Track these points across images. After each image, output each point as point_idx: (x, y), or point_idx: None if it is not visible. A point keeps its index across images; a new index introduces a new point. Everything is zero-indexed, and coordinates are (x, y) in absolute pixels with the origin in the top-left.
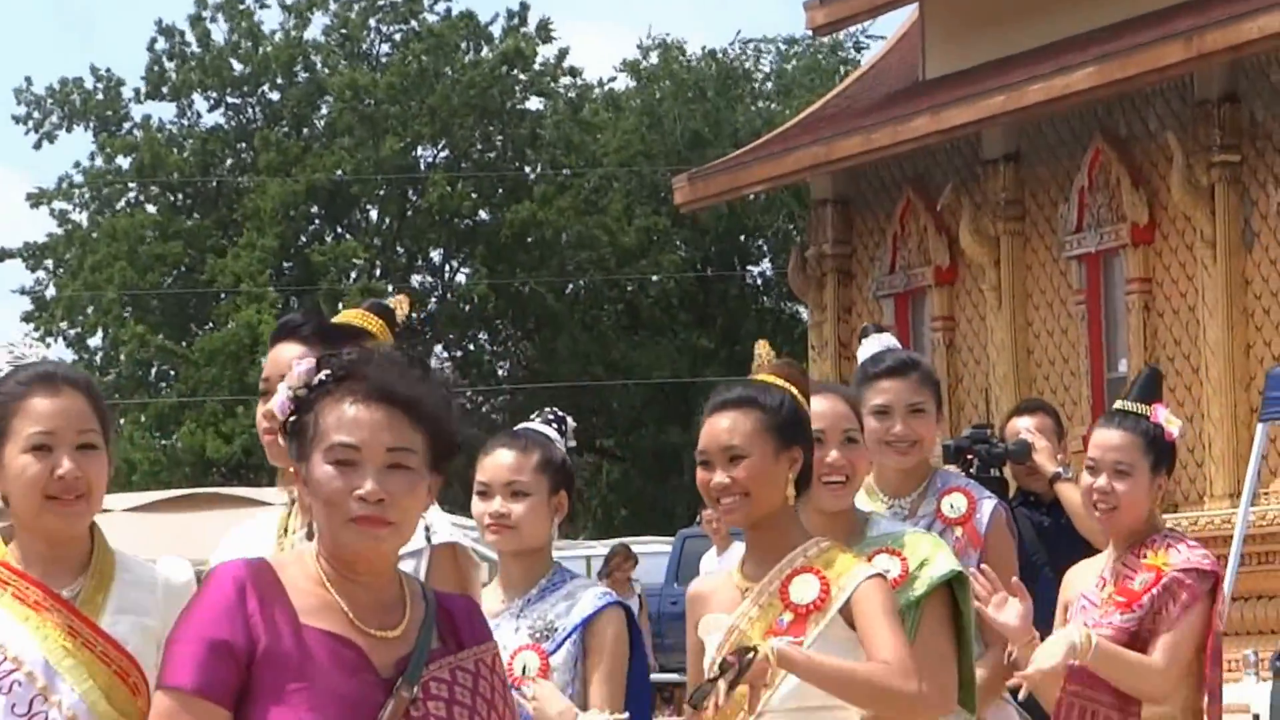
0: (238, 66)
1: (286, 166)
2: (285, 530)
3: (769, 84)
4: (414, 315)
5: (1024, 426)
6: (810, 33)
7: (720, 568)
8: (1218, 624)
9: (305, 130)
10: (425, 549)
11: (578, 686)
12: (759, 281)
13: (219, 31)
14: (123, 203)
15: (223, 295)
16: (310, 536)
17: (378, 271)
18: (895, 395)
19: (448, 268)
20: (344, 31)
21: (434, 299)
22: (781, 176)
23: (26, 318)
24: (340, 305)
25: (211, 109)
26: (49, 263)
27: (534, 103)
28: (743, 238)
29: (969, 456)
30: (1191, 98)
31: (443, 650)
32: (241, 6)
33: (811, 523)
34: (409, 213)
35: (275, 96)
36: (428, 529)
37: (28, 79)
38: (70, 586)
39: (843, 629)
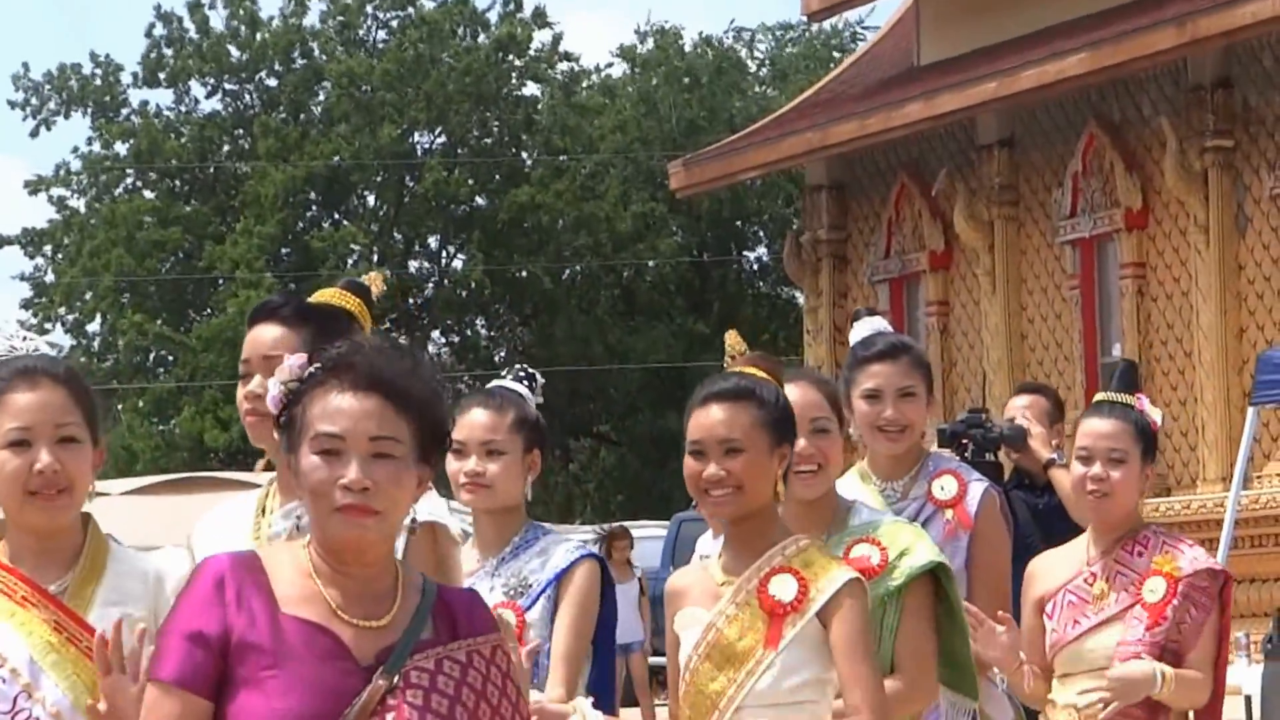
0: (235, 53)
1: (285, 153)
2: (263, 510)
3: (765, 70)
4: (411, 301)
5: (1020, 406)
6: (805, 19)
7: (699, 559)
8: (1228, 621)
9: (303, 117)
10: (401, 530)
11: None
12: (755, 267)
13: (217, 18)
14: (120, 189)
15: (221, 281)
16: (299, 523)
17: (375, 257)
18: (885, 379)
19: (444, 253)
20: (341, 18)
21: (431, 284)
22: (776, 162)
23: (26, 304)
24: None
25: (209, 95)
26: (48, 249)
27: (530, 88)
28: (739, 223)
29: (964, 441)
30: (1185, 83)
31: (434, 641)
32: None
33: (792, 511)
34: (406, 199)
35: (273, 83)
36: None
37: (25, 65)
38: (59, 580)
39: (817, 630)
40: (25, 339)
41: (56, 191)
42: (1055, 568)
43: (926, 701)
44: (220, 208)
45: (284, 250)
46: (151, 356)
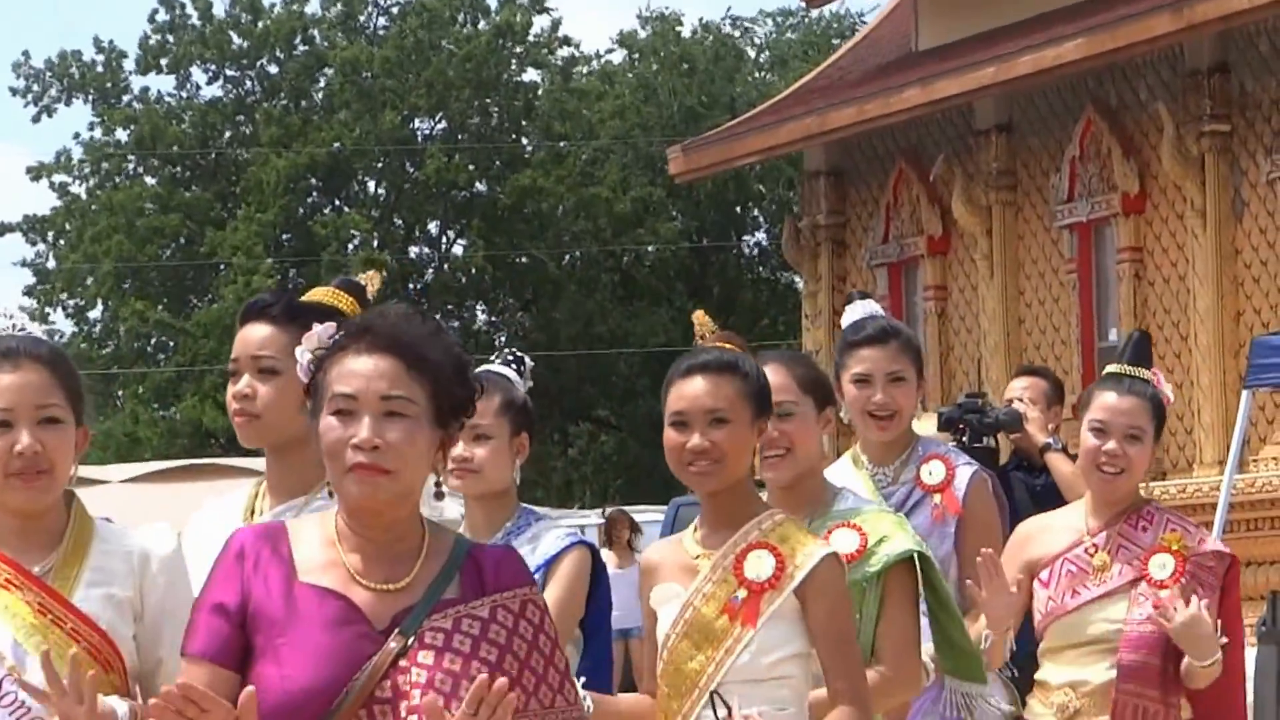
0: (237, 40)
1: (287, 140)
2: (252, 512)
3: (764, 56)
4: (411, 286)
5: (1020, 388)
6: (804, 4)
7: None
8: (1239, 604)
9: (304, 103)
10: None
11: None
12: (755, 252)
13: (220, 4)
14: (122, 175)
15: (222, 268)
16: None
17: (376, 243)
18: (875, 363)
19: (444, 239)
20: (342, 6)
21: (431, 270)
22: (774, 148)
23: (28, 290)
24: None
25: (210, 81)
26: (49, 235)
27: (530, 75)
28: (738, 209)
29: (961, 426)
30: (1182, 68)
31: (456, 600)
32: None
33: (774, 496)
34: (406, 185)
35: (274, 70)
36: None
37: (26, 53)
38: (43, 562)
39: (794, 607)
40: (14, 324)
41: (58, 178)
42: (1050, 534)
43: (910, 692)
44: (221, 194)
45: (285, 236)
46: (152, 342)
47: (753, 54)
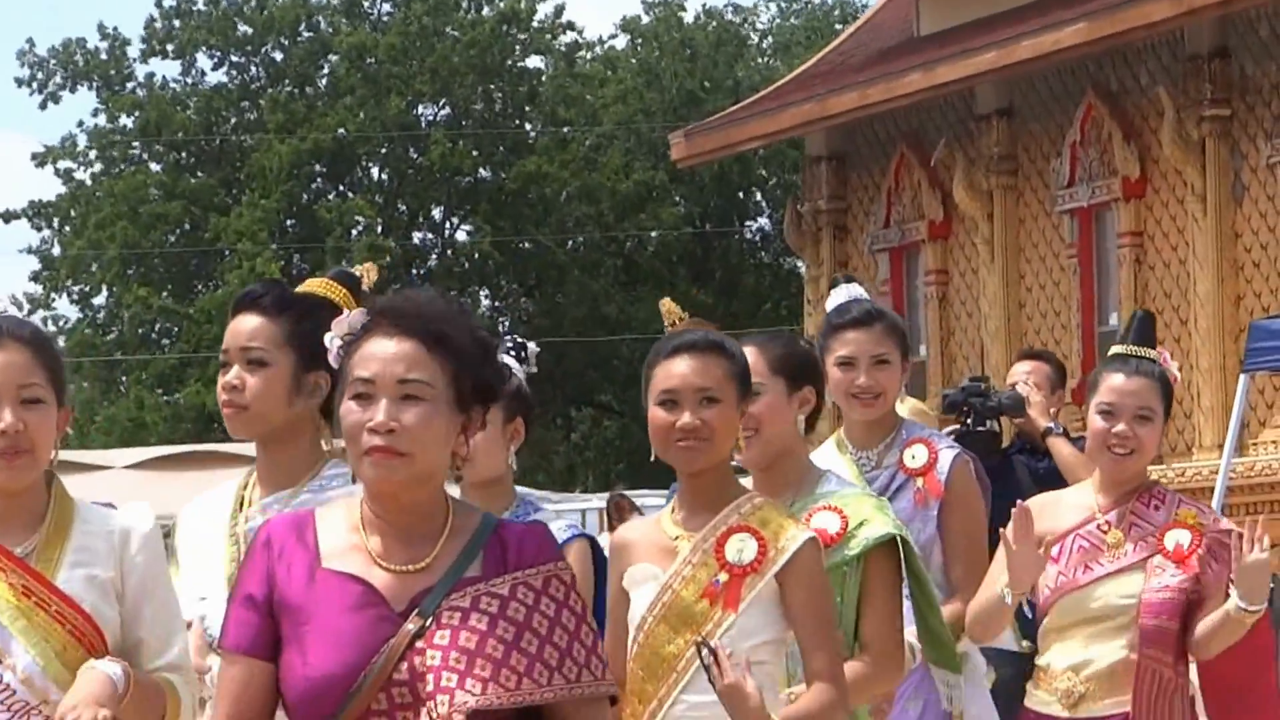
0: (242, 26)
1: (291, 126)
2: (242, 504)
3: (767, 41)
4: (415, 272)
5: (1023, 372)
6: None
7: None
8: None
9: (309, 89)
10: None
11: None
12: (757, 237)
13: None
14: (126, 162)
15: (226, 253)
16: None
17: (380, 229)
18: (859, 346)
19: (448, 224)
20: None
21: (435, 255)
22: (776, 133)
23: (34, 276)
24: (344, 261)
25: (215, 67)
26: (55, 221)
27: (533, 61)
28: (741, 194)
29: (965, 409)
30: (1182, 52)
31: (477, 578)
32: None
33: (757, 477)
34: (410, 171)
35: (279, 56)
36: None
37: (30, 40)
38: (25, 543)
39: (774, 591)
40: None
41: (63, 164)
42: (1060, 510)
43: (895, 677)
44: (226, 180)
45: (289, 222)
46: (156, 328)
47: (755, 39)
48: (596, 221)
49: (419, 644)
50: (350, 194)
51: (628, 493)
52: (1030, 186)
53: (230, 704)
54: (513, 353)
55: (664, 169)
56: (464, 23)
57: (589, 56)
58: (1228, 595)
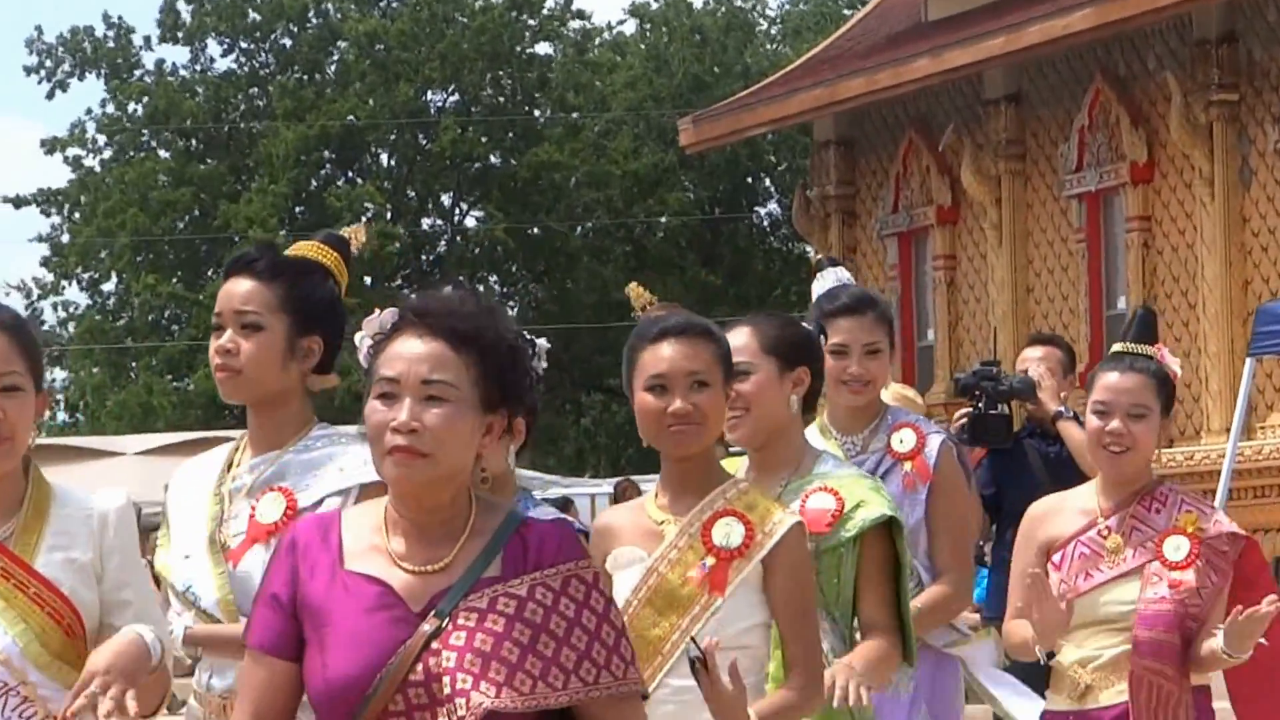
0: (252, 12)
1: (300, 112)
2: (230, 465)
3: (776, 26)
4: (424, 258)
5: (1034, 358)
6: None
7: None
8: (1275, 585)
9: (318, 76)
10: (354, 488)
11: None
12: (766, 222)
13: None
14: (135, 149)
15: (236, 240)
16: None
17: (389, 215)
18: (852, 335)
19: (457, 211)
20: None
21: (444, 242)
22: (785, 119)
23: (44, 263)
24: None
25: (224, 54)
26: (65, 209)
27: (543, 47)
28: (750, 179)
29: (977, 392)
30: (1190, 37)
31: (496, 579)
32: None
33: (752, 456)
34: (419, 157)
35: (288, 42)
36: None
37: (38, 28)
38: (4, 527)
39: (759, 575)
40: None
41: (72, 151)
42: (1063, 515)
43: (897, 655)
44: (235, 167)
45: (298, 209)
46: (166, 315)
47: (764, 24)
48: (606, 207)
49: (435, 645)
50: (359, 180)
51: (635, 478)
52: (1038, 171)
53: (252, 703)
54: None
55: (673, 154)
56: (474, 9)
57: (598, 42)
58: (1227, 612)
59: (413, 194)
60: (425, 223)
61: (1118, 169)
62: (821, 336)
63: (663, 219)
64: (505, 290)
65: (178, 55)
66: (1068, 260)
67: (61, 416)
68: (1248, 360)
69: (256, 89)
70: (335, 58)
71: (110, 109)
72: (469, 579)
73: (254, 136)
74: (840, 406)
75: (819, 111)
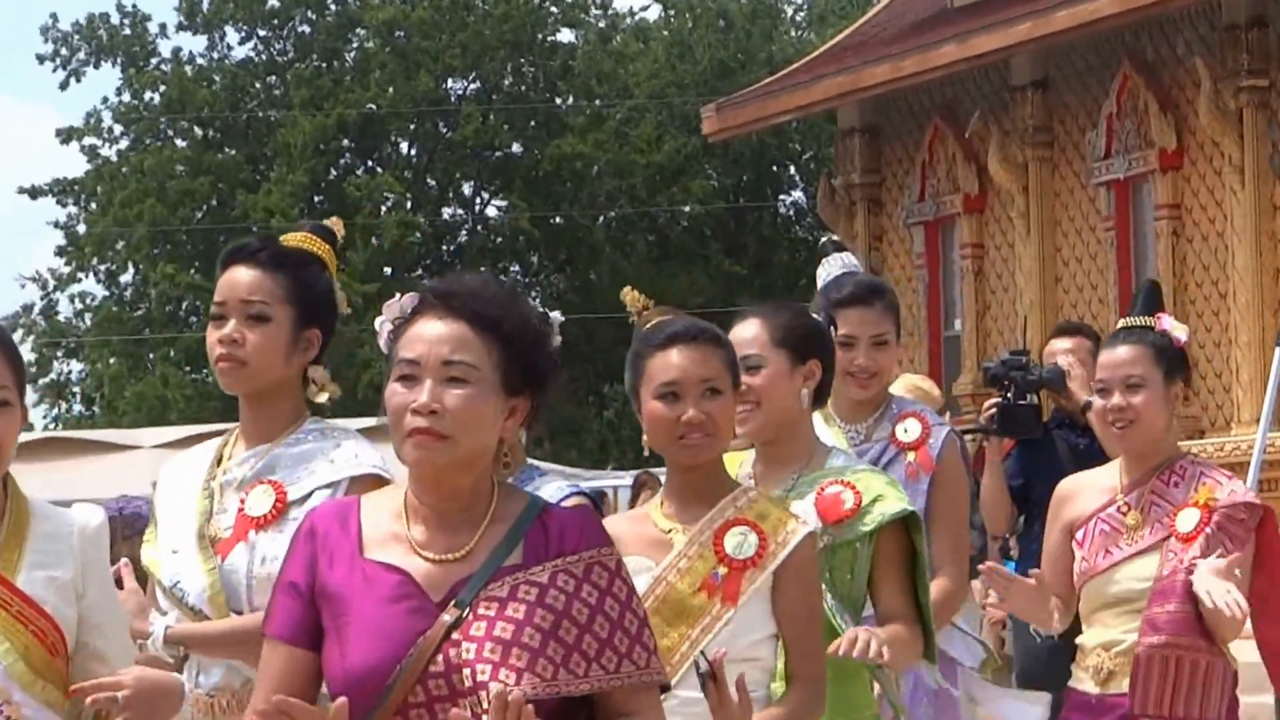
0: (270, 0)
1: (318, 101)
2: (220, 459)
3: (801, 14)
4: (445, 247)
5: (1060, 349)
6: None
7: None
8: None
9: (336, 64)
10: (343, 480)
11: None
12: (791, 211)
13: None
14: (152, 138)
15: (254, 230)
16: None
17: (409, 204)
18: (860, 326)
19: (478, 200)
20: None
21: (465, 231)
22: (809, 106)
23: (60, 252)
24: (374, 239)
25: (242, 42)
26: (81, 198)
27: (565, 35)
28: (774, 168)
29: (1006, 382)
30: (1219, 22)
31: (517, 566)
32: None
33: (760, 450)
34: (439, 146)
35: (306, 30)
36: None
37: (54, 16)
38: None
39: (770, 585)
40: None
41: (89, 141)
42: (1086, 494)
43: (919, 644)
44: (253, 156)
45: (317, 199)
46: (184, 306)
47: (789, 11)
48: (629, 196)
49: (455, 636)
50: (379, 170)
51: (655, 470)
52: (1066, 159)
53: (270, 692)
54: None
55: (697, 142)
56: None
57: (621, 29)
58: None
59: (433, 183)
60: (446, 212)
61: (1146, 156)
62: (831, 328)
63: (686, 208)
64: (527, 280)
65: (195, 43)
66: (1096, 249)
67: (78, 408)
68: (1278, 350)
69: (275, 77)
70: (354, 46)
71: (126, 98)
72: (490, 567)
73: (272, 125)
74: (845, 397)
75: (844, 99)
